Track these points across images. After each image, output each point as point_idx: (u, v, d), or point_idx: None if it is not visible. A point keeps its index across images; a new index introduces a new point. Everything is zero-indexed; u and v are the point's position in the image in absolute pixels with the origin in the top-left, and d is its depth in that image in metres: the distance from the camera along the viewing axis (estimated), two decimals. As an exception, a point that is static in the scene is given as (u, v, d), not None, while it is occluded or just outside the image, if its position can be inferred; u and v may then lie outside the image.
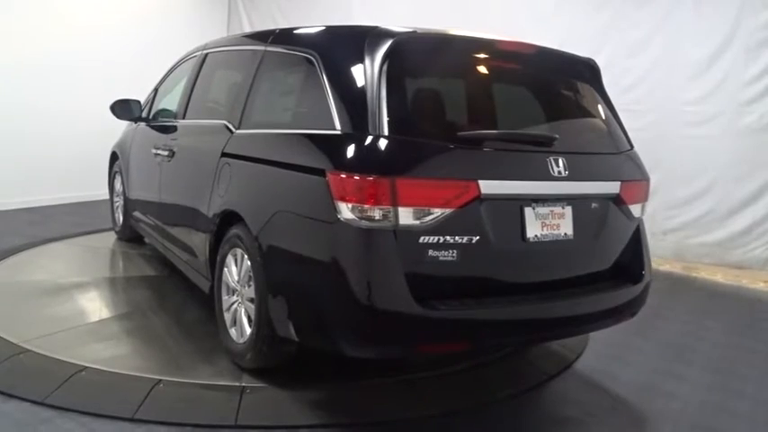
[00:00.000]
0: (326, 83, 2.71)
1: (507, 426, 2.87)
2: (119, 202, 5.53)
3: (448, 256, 2.47)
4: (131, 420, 2.61)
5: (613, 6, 6.38)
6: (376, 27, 2.73)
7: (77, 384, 2.86)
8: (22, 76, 6.55)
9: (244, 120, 3.29)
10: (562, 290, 2.84)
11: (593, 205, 2.90)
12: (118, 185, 5.52)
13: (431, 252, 2.44)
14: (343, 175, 2.43)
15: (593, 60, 3.29)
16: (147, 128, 4.72)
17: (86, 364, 3.01)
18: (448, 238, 2.45)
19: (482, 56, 2.98)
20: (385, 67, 2.56)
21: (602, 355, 3.67)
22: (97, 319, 3.72)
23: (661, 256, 6.24)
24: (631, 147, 3.22)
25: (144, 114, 4.83)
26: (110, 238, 5.68)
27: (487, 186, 2.52)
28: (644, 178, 3.19)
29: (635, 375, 3.44)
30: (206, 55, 4.14)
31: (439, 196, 2.44)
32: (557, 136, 2.81)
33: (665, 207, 6.26)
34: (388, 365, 3.25)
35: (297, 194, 2.73)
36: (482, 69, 3.03)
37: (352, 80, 2.62)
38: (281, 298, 2.78)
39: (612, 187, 2.95)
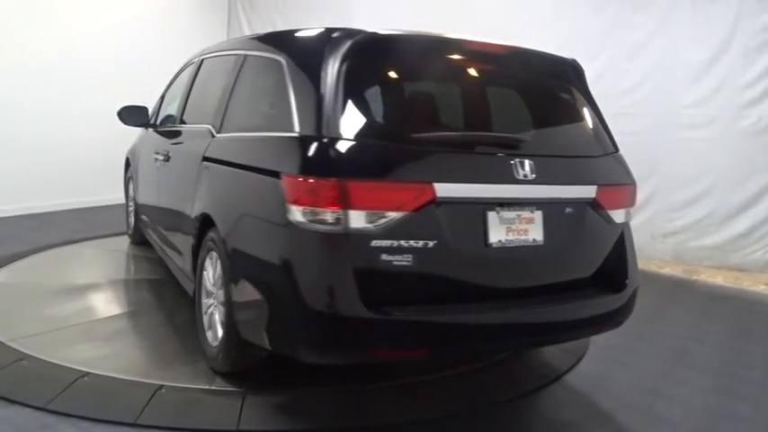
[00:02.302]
0: (290, 86, 2.71)
1: (506, 429, 2.87)
2: (132, 206, 5.67)
3: (403, 260, 2.42)
4: (133, 425, 2.61)
5: (612, 9, 6.39)
6: (337, 29, 2.70)
7: (79, 390, 2.86)
8: (20, 81, 6.56)
9: (224, 124, 3.32)
10: (533, 297, 2.75)
11: (568, 210, 2.81)
12: (131, 190, 5.67)
13: (384, 256, 2.39)
14: (295, 178, 2.43)
15: (574, 61, 3.22)
16: (153, 133, 4.82)
17: (88, 370, 3.02)
18: (402, 242, 2.40)
19: (447, 56, 2.92)
20: (342, 69, 2.54)
21: (603, 358, 3.67)
22: (94, 319, 3.79)
23: (661, 259, 6.25)
24: (616, 150, 3.13)
25: (152, 120, 4.90)
26: (123, 242, 5.78)
27: (444, 189, 2.46)
28: (628, 182, 3.08)
29: (635, 379, 3.45)
30: (202, 60, 4.20)
31: (392, 199, 2.40)
32: (522, 137, 2.76)
33: (665, 210, 6.26)
34: (388, 369, 3.26)
35: (256, 197, 2.74)
36: (447, 70, 2.98)
37: (311, 82, 2.60)
38: (242, 301, 2.79)
39: (588, 191, 2.85)
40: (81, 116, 7.01)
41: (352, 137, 2.47)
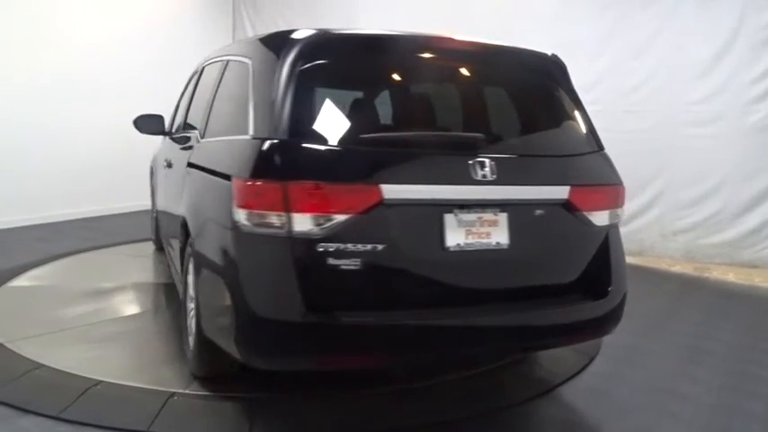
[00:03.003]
0: (250, 89, 2.71)
1: (517, 431, 2.86)
2: (154, 212, 5.77)
3: (351, 264, 2.35)
4: (146, 433, 2.63)
5: (617, 8, 6.39)
6: (296, 30, 2.67)
7: (93, 398, 2.88)
8: (26, 93, 6.60)
9: (206, 129, 3.36)
10: (497, 303, 2.66)
11: (538, 212, 2.68)
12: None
13: (332, 260, 2.33)
14: (242, 181, 2.41)
15: (554, 56, 3.08)
16: (167, 141, 4.88)
17: (101, 378, 3.03)
18: (350, 245, 2.34)
19: (403, 55, 2.84)
20: (291, 71, 2.51)
21: (616, 357, 3.66)
22: (105, 319, 3.92)
23: (671, 257, 6.24)
24: (600, 148, 2.99)
25: (168, 128, 4.95)
26: (136, 249, 5.90)
27: (392, 191, 2.38)
28: (611, 182, 2.92)
29: (647, 378, 3.43)
30: (203, 67, 4.25)
31: (336, 202, 2.34)
32: (484, 137, 2.68)
33: (674, 208, 6.25)
34: (399, 372, 3.25)
35: (214, 201, 2.73)
36: (403, 69, 2.91)
37: (266, 85, 2.58)
38: (205, 305, 2.80)
39: (559, 192, 2.70)
40: (88, 126, 7.06)
41: (298, 139, 2.44)
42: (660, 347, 3.90)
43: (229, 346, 2.56)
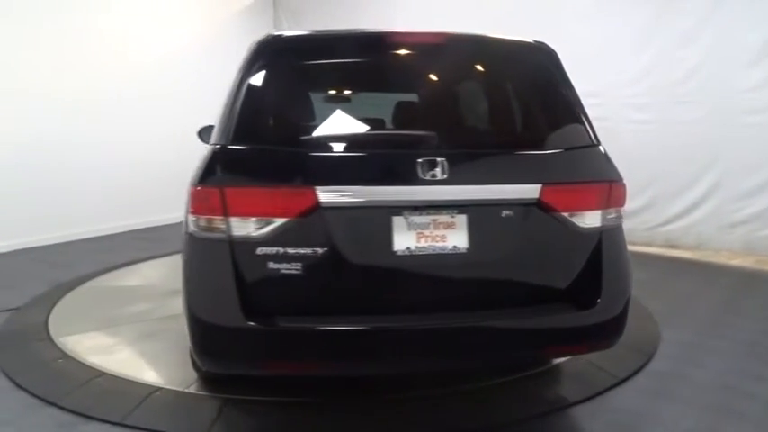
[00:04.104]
0: (229, 94, 2.70)
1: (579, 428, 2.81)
2: None
3: (292, 269, 2.32)
4: (205, 438, 2.70)
5: (659, -1, 6.25)
6: (266, 34, 2.70)
7: (152, 404, 2.96)
8: (83, 112, 6.80)
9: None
10: (456, 312, 2.46)
11: (506, 213, 2.47)
12: None
13: (271, 264, 2.32)
14: (193, 187, 2.44)
15: (537, 43, 2.83)
16: None
17: (159, 385, 3.13)
18: (289, 249, 2.31)
19: (358, 54, 2.79)
20: (245, 76, 2.55)
21: (674, 356, 3.55)
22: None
23: (730, 250, 6.03)
24: (593, 142, 2.68)
25: None
26: None
27: (330, 194, 2.32)
28: (598, 179, 2.61)
29: (711, 376, 3.31)
30: None
31: (272, 205, 2.33)
32: (437, 134, 2.57)
33: (731, 199, 6.04)
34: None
35: (185, 209, 2.75)
36: (356, 69, 2.86)
37: (229, 91, 2.62)
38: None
39: (529, 191, 2.47)
40: (141, 141, 7.27)
41: (241, 144, 2.46)
42: (721, 344, 3.77)
43: (191, 348, 2.62)
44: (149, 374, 3.24)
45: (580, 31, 6.58)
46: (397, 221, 2.40)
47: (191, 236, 2.44)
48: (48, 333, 3.86)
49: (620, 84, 6.45)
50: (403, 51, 2.77)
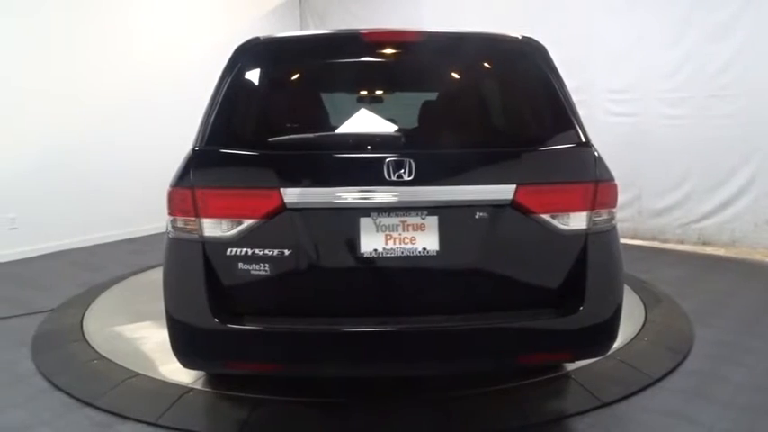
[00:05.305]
0: (210, 98, 2.73)
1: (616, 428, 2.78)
2: None
3: (261, 270, 2.37)
4: (237, 438, 2.73)
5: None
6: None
7: (185, 405, 3.00)
8: (116, 119, 6.94)
9: None
10: (426, 315, 2.43)
11: (479, 215, 2.42)
12: None
13: (241, 265, 2.37)
14: (168, 189, 2.50)
15: (524, 38, 2.74)
16: None
17: (191, 386, 3.16)
18: (257, 250, 2.37)
19: (329, 55, 2.81)
20: (224, 80, 2.61)
21: (710, 355, 3.48)
22: None
23: (767, 247, 5.88)
24: (580, 140, 2.58)
25: None
26: None
27: (295, 195, 2.36)
28: (581, 179, 2.51)
29: (748, 377, 3.23)
30: None
31: (240, 207, 2.38)
32: (398, 134, 2.57)
33: (767, 194, 5.90)
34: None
35: None
36: (328, 70, 2.88)
37: (211, 94, 2.67)
38: None
39: (502, 192, 2.41)
40: (172, 145, 7.33)
41: (213, 147, 2.52)
42: (758, 343, 3.67)
43: None
44: (182, 375, 3.27)
45: (612, 27, 6.49)
46: (365, 223, 2.41)
47: (169, 237, 2.51)
48: (83, 334, 3.93)
49: (654, 79, 6.34)
50: (379, 51, 2.76)
